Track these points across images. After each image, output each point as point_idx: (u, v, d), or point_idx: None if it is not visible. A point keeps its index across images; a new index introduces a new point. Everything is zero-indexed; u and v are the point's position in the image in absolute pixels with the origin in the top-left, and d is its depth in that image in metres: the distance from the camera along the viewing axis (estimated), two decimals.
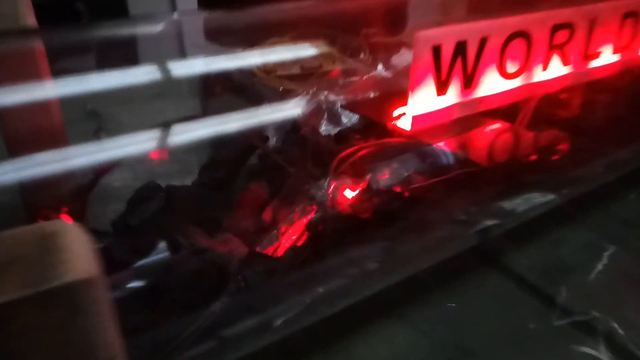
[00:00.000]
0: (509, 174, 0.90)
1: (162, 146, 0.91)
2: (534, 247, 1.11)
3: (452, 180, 0.83)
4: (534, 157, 0.94)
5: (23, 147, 0.79)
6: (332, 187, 0.75)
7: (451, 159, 0.86)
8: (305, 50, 1.54)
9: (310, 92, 1.37)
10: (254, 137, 0.88)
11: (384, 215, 0.76)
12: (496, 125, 0.97)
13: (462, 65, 0.91)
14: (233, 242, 0.70)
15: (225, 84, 1.58)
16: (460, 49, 0.90)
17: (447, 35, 0.87)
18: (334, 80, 1.49)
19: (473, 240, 0.90)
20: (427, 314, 0.92)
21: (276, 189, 0.76)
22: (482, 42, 0.93)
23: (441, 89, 0.91)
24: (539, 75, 1.06)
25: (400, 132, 0.89)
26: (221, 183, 0.86)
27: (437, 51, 0.86)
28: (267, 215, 0.73)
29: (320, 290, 0.62)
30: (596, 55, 1.15)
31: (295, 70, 1.58)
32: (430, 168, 0.84)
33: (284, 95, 1.42)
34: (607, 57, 1.18)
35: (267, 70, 1.57)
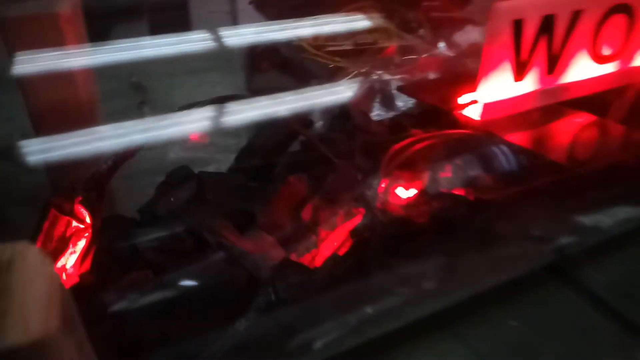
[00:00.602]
0: (596, 180, 0.75)
1: (199, 128, 0.84)
2: (617, 261, 0.96)
3: (529, 185, 0.69)
4: (628, 161, 0.78)
5: (47, 123, 0.74)
6: (383, 186, 0.64)
7: (529, 160, 0.72)
8: (359, 24, 1.42)
9: (363, 71, 1.25)
10: (297, 121, 0.78)
11: (444, 223, 0.64)
12: (582, 119, 0.81)
13: (547, 44, 0.76)
14: (267, 242, 0.61)
15: (273, 59, 1.48)
16: (547, 24, 0.74)
17: (531, 7, 0.72)
18: (389, 58, 1.36)
19: (548, 258, 0.77)
20: (483, 333, 0.81)
21: (318, 183, 0.66)
22: (574, 17, 0.77)
23: (520, 72, 0.76)
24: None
25: (466, 122, 0.76)
26: (258, 172, 0.77)
27: (518, 27, 0.72)
28: (306, 214, 0.63)
29: (367, 310, 0.52)
30: None
31: (348, 45, 1.45)
32: (503, 169, 0.71)
33: (334, 74, 1.32)
34: None
35: (318, 45, 1.45)
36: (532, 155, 0.71)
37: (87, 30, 0.84)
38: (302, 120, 0.80)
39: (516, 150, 0.72)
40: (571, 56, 0.81)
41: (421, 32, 1.50)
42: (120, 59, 0.97)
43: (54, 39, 0.66)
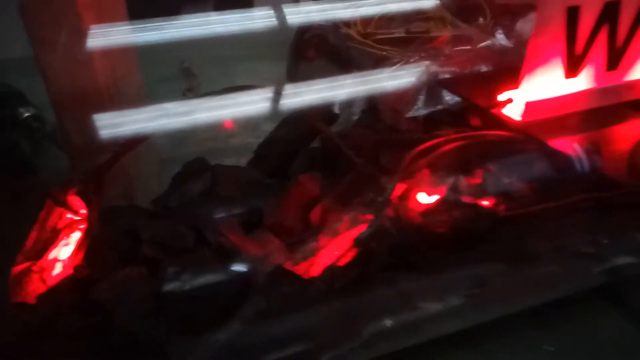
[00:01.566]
0: None
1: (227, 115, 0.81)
2: None
3: (571, 199, 0.60)
4: None
5: (68, 108, 0.73)
6: (399, 191, 0.57)
7: (572, 170, 0.62)
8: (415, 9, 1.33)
9: (410, 62, 1.18)
10: (317, 115, 0.72)
11: (468, 235, 0.56)
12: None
13: (608, 35, 0.65)
14: (272, 244, 0.57)
15: (321, 47, 1.43)
16: (610, 11, 0.63)
17: None
18: (440, 48, 1.26)
19: (596, 280, 0.67)
20: (516, 355, 0.73)
21: (333, 184, 0.61)
22: None
23: (573, 67, 0.66)
24: None
25: (507, 123, 0.68)
26: (276, 168, 0.73)
27: (573, 14, 0.62)
28: (315, 217, 0.58)
29: (363, 334, 0.47)
30: None
31: (399, 33, 1.36)
32: (542, 178, 0.62)
33: (382, 63, 1.25)
34: None
35: (366, 33, 1.38)
36: (577, 164, 0.61)
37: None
38: (324, 114, 0.74)
39: (559, 157, 0.63)
40: None
41: (480, 20, 1.39)
42: (170, 39, 0.95)
43: (72, 23, 0.65)
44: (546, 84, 0.67)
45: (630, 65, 0.70)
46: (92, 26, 0.71)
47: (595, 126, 0.69)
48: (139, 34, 0.86)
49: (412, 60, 1.17)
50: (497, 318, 0.70)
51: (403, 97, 0.82)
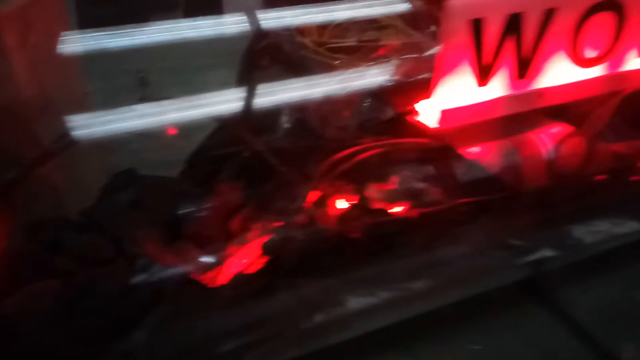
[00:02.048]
0: (569, 196, 0.68)
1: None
2: (602, 284, 0.87)
3: (483, 202, 0.63)
4: (604, 175, 0.70)
5: None
6: (313, 198, 0.59)
7: (484, 174, 0.65)
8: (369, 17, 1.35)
9: (355, 70, 1.20)
10: (250, 124, 0.74)
11: (381, 238, 0.59)
12: (557, 129, 0.74)
13: (515, 45, 0.69)
14: (189, 254, 0.58)
15: (275, 55, 1.45)
16: (514, 24, 0.67)
17: (493, 5, 0.65)
18: (386, 57, 1.29)
19: (517, 274, 0.70)
20: (442, 355, 0.75)
21: (255, 192, 0.62)
22: (547, 16, 0.69)
23: (483, 76, 0.70)
24: (633, 62, 0.80)
25: (423, 131, 0.70)
26: (205, 178, 0.74)
27: (477, 26, 0.65)
28: (235, 226, 0.59)
29: (267, 342, 0.48)
30: None
31: (351, 42, 1.39)
32: (455, 182, 0.65)
33: (333, 72, 1.27)
34: None
35: (320, 42, 1.40)
36: (486, 169, 0.64)
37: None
38: (255, 123, 0.76)
39: (469, 163, 0.66)
40: (546, 59, 0.73)
41: (432, 28, 1.43)
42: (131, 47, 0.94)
43: None
44: (459, 93, 0.70)
45: (538, 74, 0.74)
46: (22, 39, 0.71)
47: (509, 132, 0.73)
48: (94, 43, 0.86)
49: (357, 68, 1.20)
50: (423, 317, 0.72)
51: (335, 106, 0.84)
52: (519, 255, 0.73)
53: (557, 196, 0.72)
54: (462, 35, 0.65)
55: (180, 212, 0.67)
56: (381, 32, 1.39)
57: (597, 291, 0.86)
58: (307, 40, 1.38)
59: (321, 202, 0.60)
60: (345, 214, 0.60)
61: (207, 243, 0.60)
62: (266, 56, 1.45)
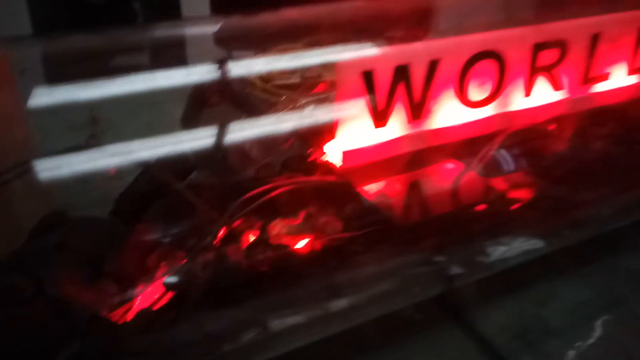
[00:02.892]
0: (451, 225, 0.76)
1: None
2: (514, 302, 0.95)
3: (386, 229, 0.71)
4: (485, 206, 0.79)
5: None
6: (221, 234, 0.65)
7: (386, 205, 0.73)
8: (311, 58, 1.43)
9: (295, 107, 1.26)
10: (176, 164, 0.80)
11: (287, 270, 0.65)
12: (447, 165, 0.83)
13: (406, 92, 0.78)
14: (107, 292, 0.62)
15: (224, 92, 1.51)
16: (402, 73, 0.77)
17: (381, 59, 0.75)
18: (323, 93, 1.37)
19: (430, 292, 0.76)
20: None
21: (171, 231, 0.68)
22: (433, 65, 0.79)
23: (379, 119, 0.78)
24: (519, 102, 0.90)
25: (330, 170, 0.78)
26: (133, 217, 0.79)
27: (369, 77, 0.74)
28: (152, 264, 0.65)
29: None
30: (602, 78, 0.96)
31: (295, 79, 1.47)
32: (351, 215, 0.72)
33: (279, 109, 1.33)
34: (618, 79, 0.99)
35: (266, 79, 1.48)
36: (388, 200, 0.72)
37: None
38: (180, 164, 0.82)
39: (373, 196, 0.74)
40: (437, 102, 0.82)
41: None
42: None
43: None
44: (359, 134, 0.79)
45: (430, 115, 0.83)
46: None
47: (408, 168, 0.81)
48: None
49: (295, 106, 1.26)
50: (340, 340, 0.77)
51: (256, 145, 0.91)
52: (431, 274, 0.80)
53: (451, 221, 0.80)
54: (355, 86, 0.74)
55: (103, 251, 0.71)
56: (324, 67, 1.47)
57: (507, 308, 0.93)
58: (254, 77, 1.45)
59: (231, 238, 0.66)
60: (252, 249, 0.66)
61: (124, 281, 0.65)
62: (214, 93, 1.53)
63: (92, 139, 1.48)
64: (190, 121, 1.47)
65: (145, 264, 0.66)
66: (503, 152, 0.88)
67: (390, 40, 0.79)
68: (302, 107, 1.24)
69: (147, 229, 0.69)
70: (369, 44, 0.75)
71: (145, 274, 0.65)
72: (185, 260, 0.61)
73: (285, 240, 0.69)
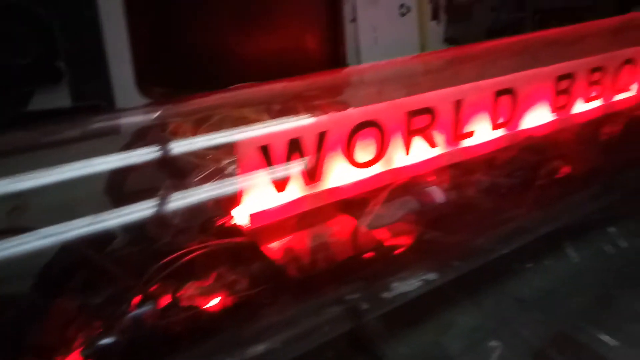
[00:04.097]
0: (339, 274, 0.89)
1: None
2: (417, 333, 1.07)
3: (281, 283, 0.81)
4: (372, 252, 0.93)
5: None
6: (137, 301, 0.73)
7: (292, 260, 0.85)
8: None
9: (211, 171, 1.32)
10: (99, 235, 0.87)
11: (202, 328, 0.73)
12: (342, 219, 0.97)
13: (301, 159, 0.92)
14: None
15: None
16: (295, 145, 0.91)
17: (275, 135, 0.89)
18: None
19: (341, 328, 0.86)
20: None
21: (89, 302, 0.74)
22: (322, 137, 0.94)
23: (279, 184, 0.91)
24: (401, 160, 1.07)
25: (240, 231, 0.89)
26: (56, 289, 0.85)
27: (265, 150, 0.88)
28: (67, 335, 0.70)
29: None
30: (468, 134, 1.15)
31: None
32: (258, 271, 0.83)
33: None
34: (485, 134, 1.19)
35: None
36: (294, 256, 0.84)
37: None
38: (99, 235, 0.89)
39: (272, 253, 0.85)
40: (328, 166, 0.97)
41: None
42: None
43: None
44: (263, 199, 0.91)
45: (323, 178, 0.97)
46: None
47: (308, 224, 0.94)
48: None
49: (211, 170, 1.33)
50: None
51: (176, 212, 1.00)
52: (339, 312, 0.90)
53: (352, 265, 0.92)
54: (254, 157, 0.87)
55: (24, 326, 0.76)
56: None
57: (411, 339, 1.05)
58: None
59: (146, 303, 0.74)
60: (167, 311, 0.74)
61: (45, 354, 0.70)
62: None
63: (15, 212, 1.49)
64: (114, 190, 1.53)
65: (66, 335, 0.72)
66: (394, 202, 1.03)
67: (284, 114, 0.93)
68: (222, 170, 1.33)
69: (68, 301, 0.75)
70: (266, 121, 0.89)
71: (65, 345, 0.71)
72: (102, 330, 0.68)
73: (198, 301, 0.77)
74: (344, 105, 1.01)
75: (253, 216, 0.90)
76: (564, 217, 1.29)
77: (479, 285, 1.16)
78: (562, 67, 1.27)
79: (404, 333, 1.06)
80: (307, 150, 0.93)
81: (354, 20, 1.90)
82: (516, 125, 1.23)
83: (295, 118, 0.92)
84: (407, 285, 1.04)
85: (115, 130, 1.09)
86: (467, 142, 1.16)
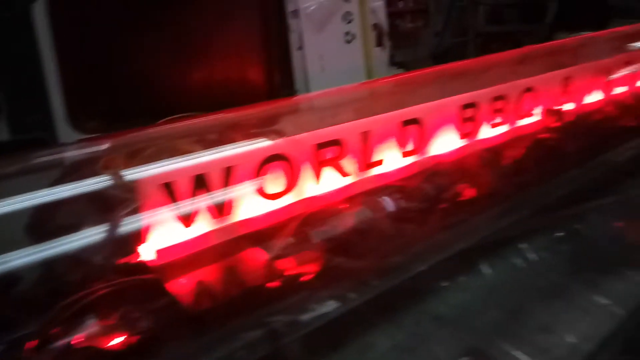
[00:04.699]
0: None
1: None
2: (338, 356, 1.09)
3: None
4: (282, 281, 0.96)
5: None
6: (42, 342, 0.73)
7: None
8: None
9: None
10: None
11: None
12: (250, 252, 1.00)
13: (207, 193, 0.95)
14: None
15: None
16: (200, 181, 0.94)
17: (178, 172, 0.92)
18: None
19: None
20: None
21: None
22: (228, 171, 0.98)
23: (186, 219, 0.94)
24: (313, 190, 1.11)
25: (146, 268, 0.91)
26: None
27: (169, 188, 0.91)
28: None
29: None
30: (377, 163, 1.22)
31: None
32: (162, 307, 0.84)
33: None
34: (394, 162, 1.26)
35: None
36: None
37: None
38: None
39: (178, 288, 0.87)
40: (237, 199, 1.00)
41: None
42: None
43: None
44: (169, 235, 0.93)
45: (232, 210, 1.00)
46: None
47: (217, 258, 0.96)
48: None
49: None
50: None
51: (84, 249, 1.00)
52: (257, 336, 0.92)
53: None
54: (158, 194, 0.90)
55: None
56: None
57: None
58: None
59: (44, 347, 0.73)
60: (65, 354, 0.73)
61: None
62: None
63: None
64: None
65: None
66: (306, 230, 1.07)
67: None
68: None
69: None
70: (169, 159, 0.92)
71: None
72: None
73: (99, 341, 0.78)
74: (280, 134, 1.06)
75: (160, 252, 0.91)
76: (477, 234, 1.36)
77: (398, 306, 1.20)
78: (466, 96, 1.38)
79: (325, 356, 1.08)
80: (214, 185, 0.96)
81: (300, 48, 1.99)
82: (425, 152, 1.31)
83: (201, 154, 0.96)
84: (325, 306, 1.06)
85: (40, 167, 1.09)
86: (377, 170, 1.22)
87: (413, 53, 2.71)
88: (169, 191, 0.91)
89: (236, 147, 1.00)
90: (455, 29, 2.87)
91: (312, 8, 2.00)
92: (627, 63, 1.82)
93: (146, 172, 0.89)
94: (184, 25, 1.77)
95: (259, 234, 1.01)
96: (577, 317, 1.16)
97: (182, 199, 0.92)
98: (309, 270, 1.03)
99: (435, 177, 1.29)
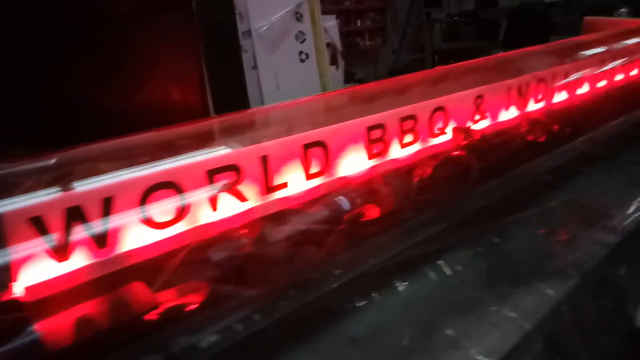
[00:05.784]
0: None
1: None
2: None
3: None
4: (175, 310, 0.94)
5: None
6: None
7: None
8: None
9: None
10: None
11: None
12: (136, 284, 0.97)
13: (84, 228, 0.93)
14: None
15: None
16: (76, 213, 0.92)
17: (48, 204, 0.90)
18: None
19: None
20: None
21: None
22: (108, 202, 0.96)
23: (61, 254, 0.91)
24: (208, 217, 1.10)
25: (17, 306, 0.87)
26: None
27: (38, 222, 0.88)
28: None
29: None
30: (282, 186, 1.22)
31: None
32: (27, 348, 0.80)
33: None
34: (299, 184, 1.26)
35: None
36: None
37: None
38: None
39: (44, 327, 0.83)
40: (120, 230, 0.98)
41: None
42: None
43: None
44: (41, 271, 0.90)
45: (118, 241, 0.98)
46: None
47: (97, 293, 0.93)
48: None
49: None
50: None
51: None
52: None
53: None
54: (25, 231, 0.87)
55: None
56: None
57: None
58: None
59: None
60: None
61: None
62: None
63: None
64: None
65: None
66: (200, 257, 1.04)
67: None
68: None
69: None
70: (38, 191, 0.90)
71: None
72: None
73: None
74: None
75: (29, 289, 0.87)
76: (393, 250, 1.36)
77: (313, 328, 1.18)
78: (372, 118, 1.40)
79: None
80: (91, 217, 0.94)
81: (254, 67, 2.01)
82: (332, 173, 1.32)
83: (78, 184, 0.94)
84: (228, 333, 1.03)
85: None
86: (280, 194, 1.22)
87: (370, 70, 2.79)
88: (38, 225, 0.88)
89: (117, 176, 0.98)
90: (413, 46, 2.99)
91: (264, 28, 2.08)
92: (541, 80, 1.90)
93: (13, 205, 0.86)
94: (123, 49, 1.75)
95: (144, 264, 0.98)
96: (485, 332, 1.16)
97: (54, 232, 0.90)
98: (193, 300, 1.00)
99: (347, 196, 1.29)
